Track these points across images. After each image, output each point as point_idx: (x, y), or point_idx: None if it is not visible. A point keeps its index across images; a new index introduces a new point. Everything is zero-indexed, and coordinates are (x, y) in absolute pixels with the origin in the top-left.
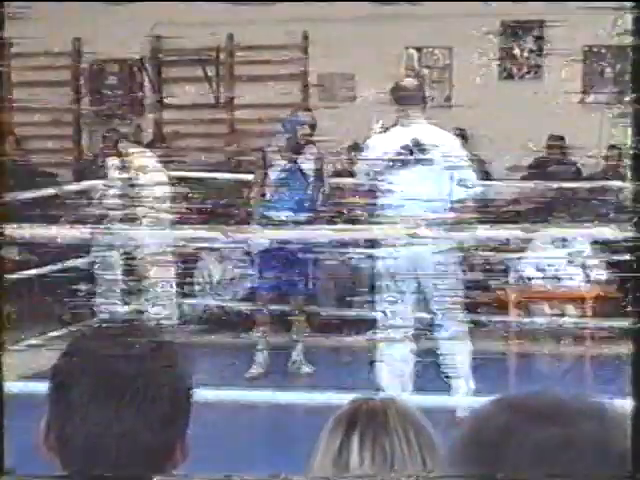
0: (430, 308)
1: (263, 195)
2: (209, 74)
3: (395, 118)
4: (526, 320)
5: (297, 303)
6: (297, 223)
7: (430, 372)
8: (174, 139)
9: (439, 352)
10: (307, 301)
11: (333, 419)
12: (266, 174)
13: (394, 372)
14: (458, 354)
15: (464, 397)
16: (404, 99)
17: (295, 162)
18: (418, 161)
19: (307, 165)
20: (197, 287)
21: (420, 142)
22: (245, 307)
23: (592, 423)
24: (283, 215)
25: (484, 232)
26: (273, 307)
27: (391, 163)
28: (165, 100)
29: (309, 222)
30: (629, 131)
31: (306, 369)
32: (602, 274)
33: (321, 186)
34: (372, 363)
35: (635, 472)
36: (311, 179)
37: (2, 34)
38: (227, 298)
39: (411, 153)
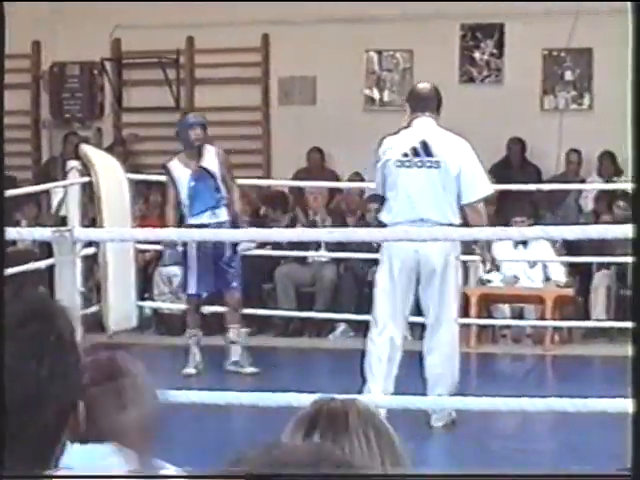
0: (425, 309)
1: (179, 204)
2: (169, 77)
3: (408, 121)
4: (487, 321)
5: (233, 304)
6: (220, 223)
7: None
8: (134, 142)
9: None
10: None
11: (294, 420)
12: (177, 189)
13: (380, 357)
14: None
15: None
16: (418, 103)
17: (199, 166)
18: (424, 163)
19: (211, 164)
20: (156, 290)
21: (428, 145)
22: (177, 308)
23: None
24: (205, 219)
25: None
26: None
27: (399, 164)
28: (125, 103)
29: (232, 221)
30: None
31: (249, 370)
32: (562, 276)
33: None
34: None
35: (635, 472)
36: (219, 178)
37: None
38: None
39: (418, 155)
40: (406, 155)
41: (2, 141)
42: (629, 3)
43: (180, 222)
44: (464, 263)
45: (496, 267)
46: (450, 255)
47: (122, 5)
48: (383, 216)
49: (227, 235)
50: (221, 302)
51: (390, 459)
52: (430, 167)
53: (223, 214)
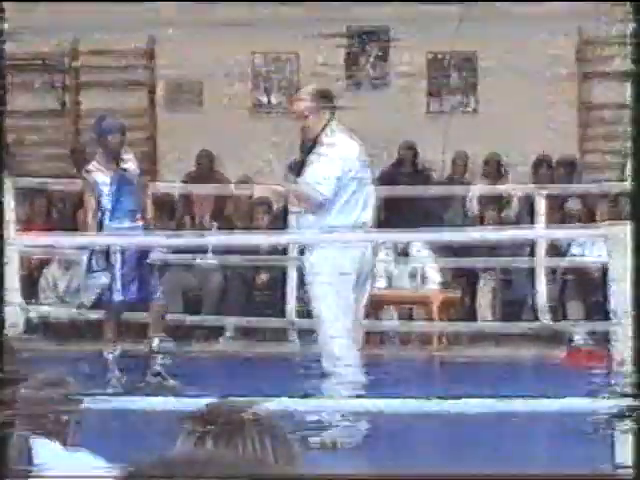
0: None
1: (102, 212)
2: (54, 80)
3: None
4: (375, 323)
5: (156, 311)
6: (138, 228)
7: None
8: (18, 147)
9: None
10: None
11: (188, 424)
12: (97, 194)
13: (346, 343)
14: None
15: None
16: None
17: (119, 169)
18: None
19: (131, 168)
20: (42, 295)
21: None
22: (96, 316)
23: None
24: (126, 223)
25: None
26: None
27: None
28: (9, 107)
29: (146, 227)
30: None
31: (170, 382)
32: (437, 276)
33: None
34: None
35: (636, 472)
36: (137, 183)
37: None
38: (73, 308)
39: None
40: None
41: (2, 140)
42: (628, 3)
43: (99, 228)
44: None
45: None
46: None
47: (5, 7)
48: None
49: (155, 240)
50: (144, 309)
51: (285, 462)
52: None
53: (140, 220)
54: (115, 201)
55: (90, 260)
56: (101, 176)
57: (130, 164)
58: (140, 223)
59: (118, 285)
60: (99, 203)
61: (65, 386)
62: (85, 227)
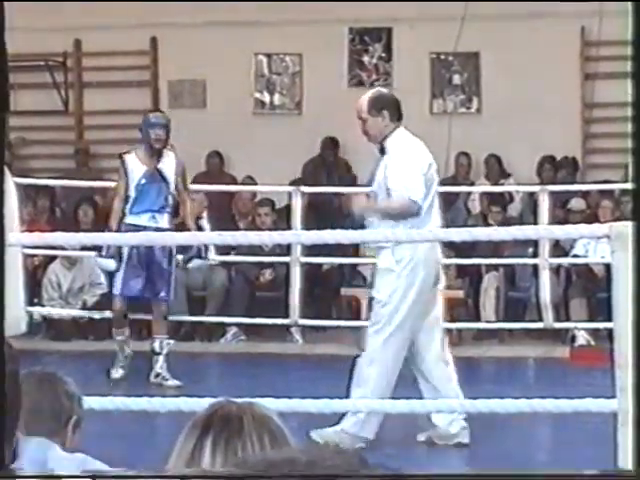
0: None
1: (126, 201)
2: (57, 80)
3: (388, 129)
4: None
5: (159, 314)
6: (158, 229)
7: None
8: (21, 146)
9: None
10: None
11: (190, 423)
12: (127, 181)
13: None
14: None
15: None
16: (398, 111)
17: (155, 167)
18: None
19: (167, 169)
20: (45, 295)
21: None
22: (98, 315)
23: None
24: (143, 220)
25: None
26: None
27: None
28: (12, 106)
29: (175, 230)
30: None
31: (171, 383)
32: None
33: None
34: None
35: (637, 471)
36: (171, 185)
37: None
38: (77, 307)
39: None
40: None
41: (3, 140)
42: (629, 3)
43: (122, 217)
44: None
45: None
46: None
47: (7, 7)
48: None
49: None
50: (148, 310)
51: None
52: None
53: (164, 221)
54: (139, 195)
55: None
56: (136, 168)
57: (168, 164)
58: (164, 225)
59: (120, 279)
60: (127, 192)
61: (61, 384)
62: (111, 212)
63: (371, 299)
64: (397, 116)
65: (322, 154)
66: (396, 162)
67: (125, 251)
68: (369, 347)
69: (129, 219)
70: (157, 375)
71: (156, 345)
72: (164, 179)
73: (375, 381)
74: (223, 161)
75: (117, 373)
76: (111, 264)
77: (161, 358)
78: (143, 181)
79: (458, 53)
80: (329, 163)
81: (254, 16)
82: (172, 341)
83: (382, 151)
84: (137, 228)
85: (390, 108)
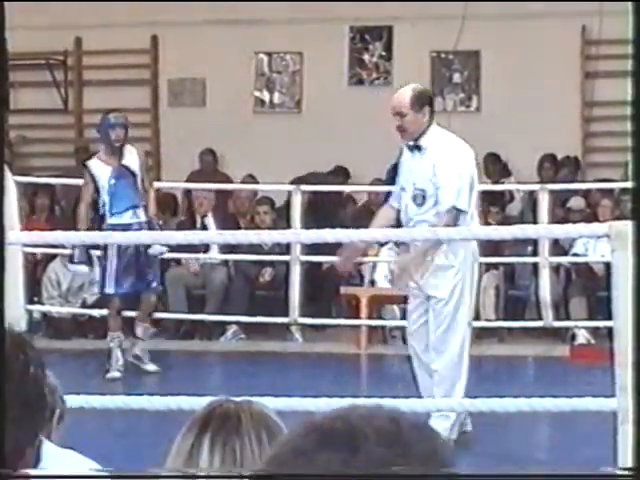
0: None
1: (99, 205)
2: (57, 78)
3: (426, 124)
4: (377, 322)
5: (148, 305)
6: (140, 223)
7: None
8: (21, 144)
9: None
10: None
11: (188, 422)
12: (96, 186)
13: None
14: None
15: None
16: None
17: (120, 164)
18: None
19: (133, 164)
20: (45, 294)
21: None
22: (98, 313)
23: (383, 448)
24: (127, 218)
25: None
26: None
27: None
28: (12, 105)
29: (148, 222)
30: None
31: (149, 367)
32: None
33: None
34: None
35: (637, 471)
36: (139, 178)
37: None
38: (77, 305)
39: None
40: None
41: (3, 139)
42: (629, 3)
43: (100, 221)
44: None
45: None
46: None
47: (8, 5)
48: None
49: (157, 237)
50: (138, 303)
51: None
52: None
53: (142, 214)
54: (114, 195)
55: (73, 250)
56: (102, 170)
57: (132, 160)
58: (143, 219)
59: (112, 278)
60: (98, 196)
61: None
62: (77, 219)
63: (428, 298)
64: (433, 113)
65: None
66: (446, 162)
67: (114, 251)
68: (444, 347)
69: (112, 220)
70: (136, 357)
71: (139, 330)
72: (132, 173)
73: (461, 378)
74: (217, 159)
75: (114, 374)
76: (84, 269)
77: (141, 343)
78: (112, 181)
79: (458, 52)
80: None
81: (254, 15)
82: (154, 330)
83: (416, 148)
84: (122, 227)
85: (431, 105)
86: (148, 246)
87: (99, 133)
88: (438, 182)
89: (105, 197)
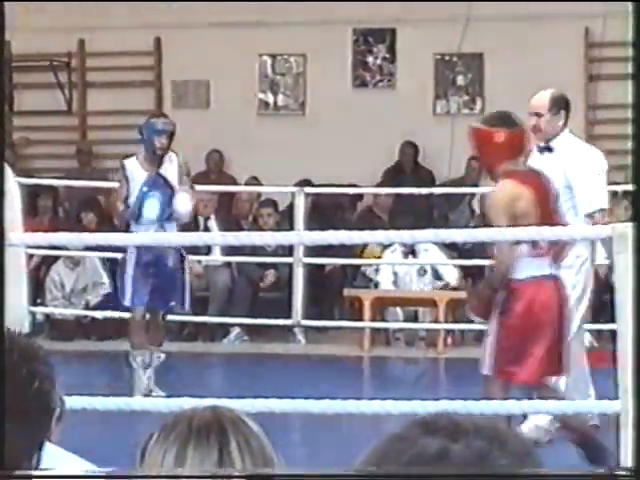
0: None
1: (127, 207)
2: (61, 80)
3: (560, 128)
4: (380, 324)
5: (158, 323)
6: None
7: None
8: (25, 146)
9: None
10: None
11: (161, 428)
12: (128, 187)
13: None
14: None
15: None
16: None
17: (157, 173)
18: None
19: (170, 174)
20: (49, 295)
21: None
22: (101, 315)
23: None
24: (150, 227)
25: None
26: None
27: None
28: (16, 106)
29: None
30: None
31: (156, 393)
32: (454, 279)
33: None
34: None
35: (637, 471)
36: (176, 190)
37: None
38: (80, 307)
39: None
40: None
41: (3, 139)
42: (629, 3)
43: (126, 229)
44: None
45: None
46: None
47: (11, 6)
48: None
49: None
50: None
51: (263, 462)
52: None
53: (173, 229)
54: (142, 205)
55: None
56: (137, 174)
57: (171, 169)
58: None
59: (129, 289)
60: (127, 198)
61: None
62: (116, 215)
63: None
64: (568, 119)
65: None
66: (585, 167)
67: (132, 259)
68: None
69: (134, 229)
70: (145, 388)
71: (146, 358)
72: (168, 185)
73: (588, 377)
74: (223, 160)
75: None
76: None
77: (149, 371)
78: (145, 189)
79: (462, 54)
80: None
81: (258, 17)
82: (163, 355)
83: (547, 149)
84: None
85: (568, 111)
86: (173, 263)
87: (141, 135)
88: (572, 184)
89: (133, 202)
